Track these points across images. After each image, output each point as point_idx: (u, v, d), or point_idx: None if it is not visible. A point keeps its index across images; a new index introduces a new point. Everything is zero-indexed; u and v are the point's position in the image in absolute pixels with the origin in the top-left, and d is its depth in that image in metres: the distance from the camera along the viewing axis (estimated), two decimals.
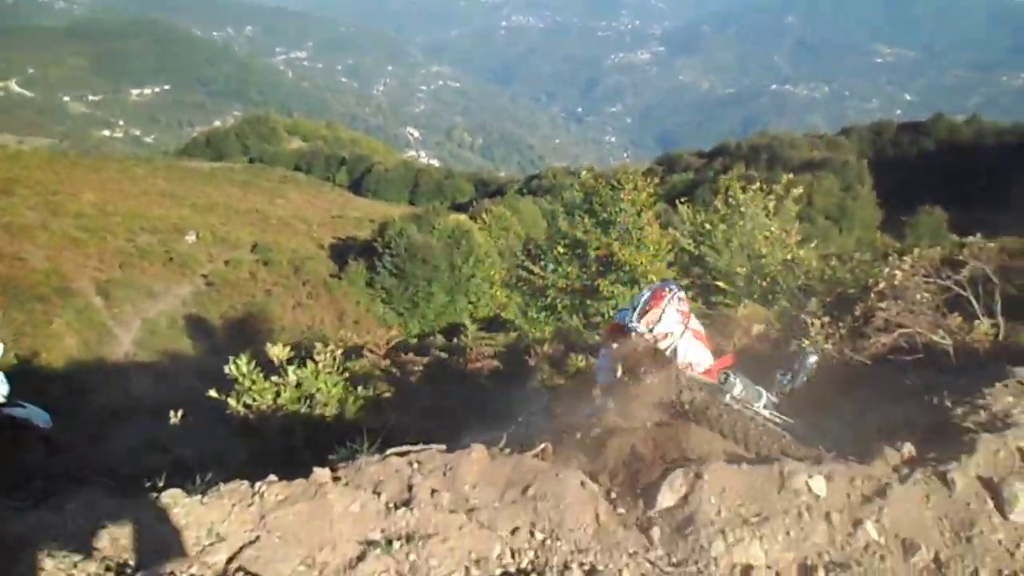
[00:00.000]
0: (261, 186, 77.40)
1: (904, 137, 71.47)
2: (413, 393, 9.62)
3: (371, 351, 12.13)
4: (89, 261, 46.83)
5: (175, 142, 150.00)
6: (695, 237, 18.04)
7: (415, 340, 36.28)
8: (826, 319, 9.30)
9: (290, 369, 5.16)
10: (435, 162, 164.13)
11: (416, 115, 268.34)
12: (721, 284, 16.76)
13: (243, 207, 66.12)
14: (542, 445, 4.70)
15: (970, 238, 9.43)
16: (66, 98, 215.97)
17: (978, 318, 8.27)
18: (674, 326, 5.33)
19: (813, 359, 5.07)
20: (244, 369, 5.32)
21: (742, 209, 16.92)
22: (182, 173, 76.91)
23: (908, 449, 4.29)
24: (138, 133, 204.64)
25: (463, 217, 53.85)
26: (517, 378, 11.80)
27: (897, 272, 8.64)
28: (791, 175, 18.21)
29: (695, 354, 5.46)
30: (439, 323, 45.61)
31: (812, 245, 17.07)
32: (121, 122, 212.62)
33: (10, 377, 6.82)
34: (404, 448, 4.33)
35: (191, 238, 53.62)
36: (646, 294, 5.43)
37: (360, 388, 5.49)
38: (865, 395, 6.83)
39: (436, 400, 9.37)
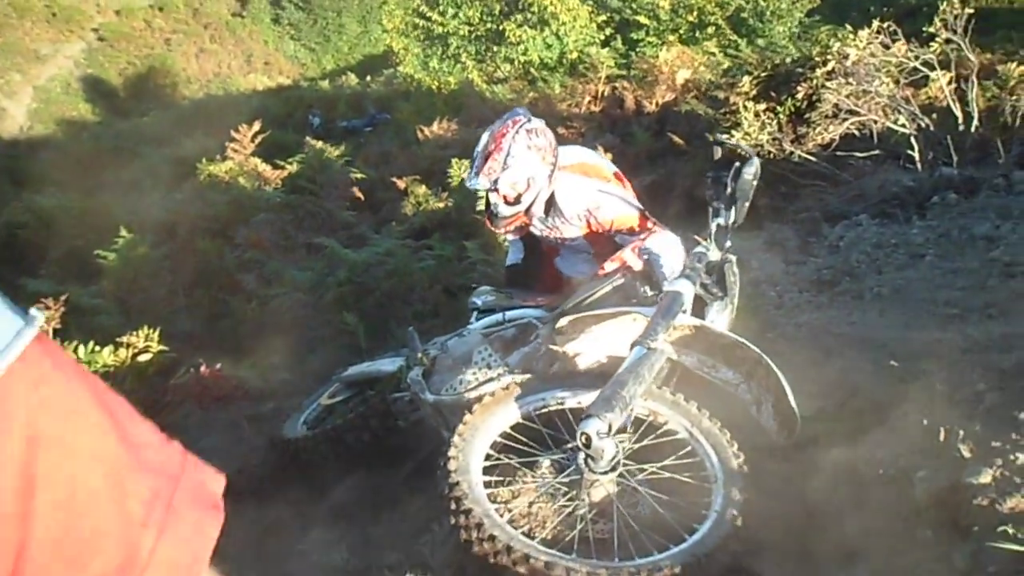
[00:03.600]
0: None
1: None
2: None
3: None
4: None
5: None
6: None
7: (324, 80, 34.04)
8: (761, 106, 7.64)
9: None
10: None
11: None
12: (642, 19, 14.69)
13: None
14: None
15: None
16: None
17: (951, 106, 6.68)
18: (532, 167, 3.74)
19: (752, 170, 3.26)
20: None
21: None
22: None
23: None
24: None
25: None
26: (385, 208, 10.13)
27: (850, 49, 6.90)
28: None
29: (582, 195, 3.85)
30: (354, 56, 43.37)
31: None
32: None
33: None
34: None
35: None
36: (484, 138, 3.81)
37: None
38: None
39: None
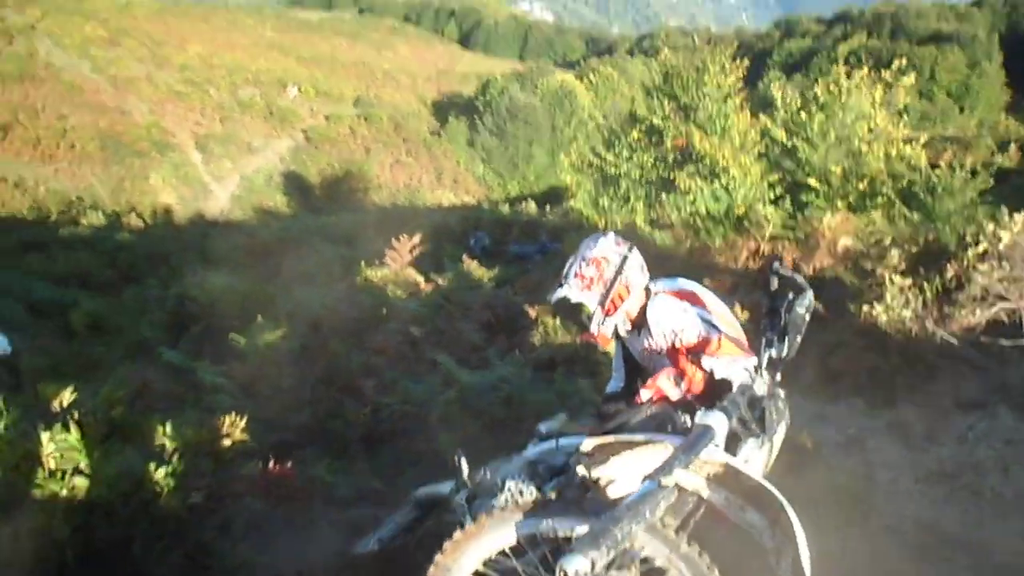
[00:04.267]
0: (370, 37, 75.53)
1: None
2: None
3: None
4: (191, 115, 47.08)
5: None
6: (788, 127, 15.61)
7: (506, 204, 34.98)
8: (907, 281, 7.40)
9: (44, 437, 3.62)
10: (548, 16, 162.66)
11: None
12: (813, 182, 14.51)
13: (349, 59, 65.18)
14: None
15: None
16: None
17: None
18: (576, 293, 3.69)
19: (805, 303, 3.15)
20: None
21: (843, 99, 14.42)
22: (291, 23, 75.63)
23: None
24: None
25: (568, 76, 52.32)
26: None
27: (1004, 232, 6.66)
28: (902, 62, 15.41)
29: (670, 317, 3.69)
30: (539, 185, 44.53)
31: (922, 141, 14.52)
32: None
33: None
34: None
35: (293, 91, 53.44)
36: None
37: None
38: None
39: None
